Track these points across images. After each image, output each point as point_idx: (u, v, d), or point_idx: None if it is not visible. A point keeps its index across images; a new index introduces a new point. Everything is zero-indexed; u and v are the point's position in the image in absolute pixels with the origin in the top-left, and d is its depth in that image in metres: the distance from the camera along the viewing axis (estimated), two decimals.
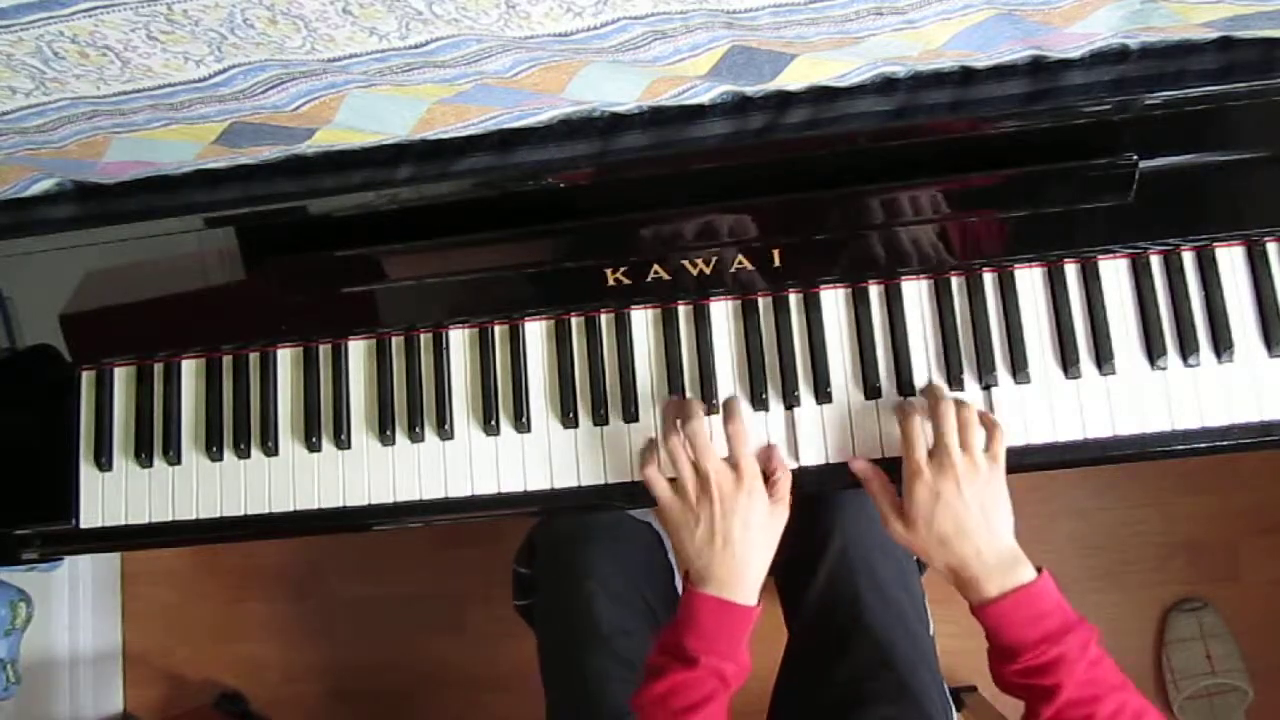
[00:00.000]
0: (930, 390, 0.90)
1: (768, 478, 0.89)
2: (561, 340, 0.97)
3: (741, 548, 0.84)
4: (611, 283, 0.94)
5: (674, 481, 0.89)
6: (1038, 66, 0.88)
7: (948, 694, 1.05)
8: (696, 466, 0.87)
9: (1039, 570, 0.83)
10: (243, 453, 1.00)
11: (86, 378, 1.03)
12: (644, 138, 0.90)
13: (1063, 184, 0.89)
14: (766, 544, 0.87)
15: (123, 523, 1.00)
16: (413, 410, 0.98)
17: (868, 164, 0.89)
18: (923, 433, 0.86)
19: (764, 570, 0.87)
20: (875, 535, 1.05)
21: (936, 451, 0.85)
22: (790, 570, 1.17)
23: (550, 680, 1.09)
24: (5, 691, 1.48)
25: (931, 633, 1.09)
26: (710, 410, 0.94)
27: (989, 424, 0.87)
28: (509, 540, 1.19)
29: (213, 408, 1.01)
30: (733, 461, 0.87)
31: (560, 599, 1.09)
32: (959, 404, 0.87)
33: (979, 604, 0.82)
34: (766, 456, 0.92)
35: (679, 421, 0.90)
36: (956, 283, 0.94)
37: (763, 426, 0.94)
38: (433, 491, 0.97)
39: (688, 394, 0.95)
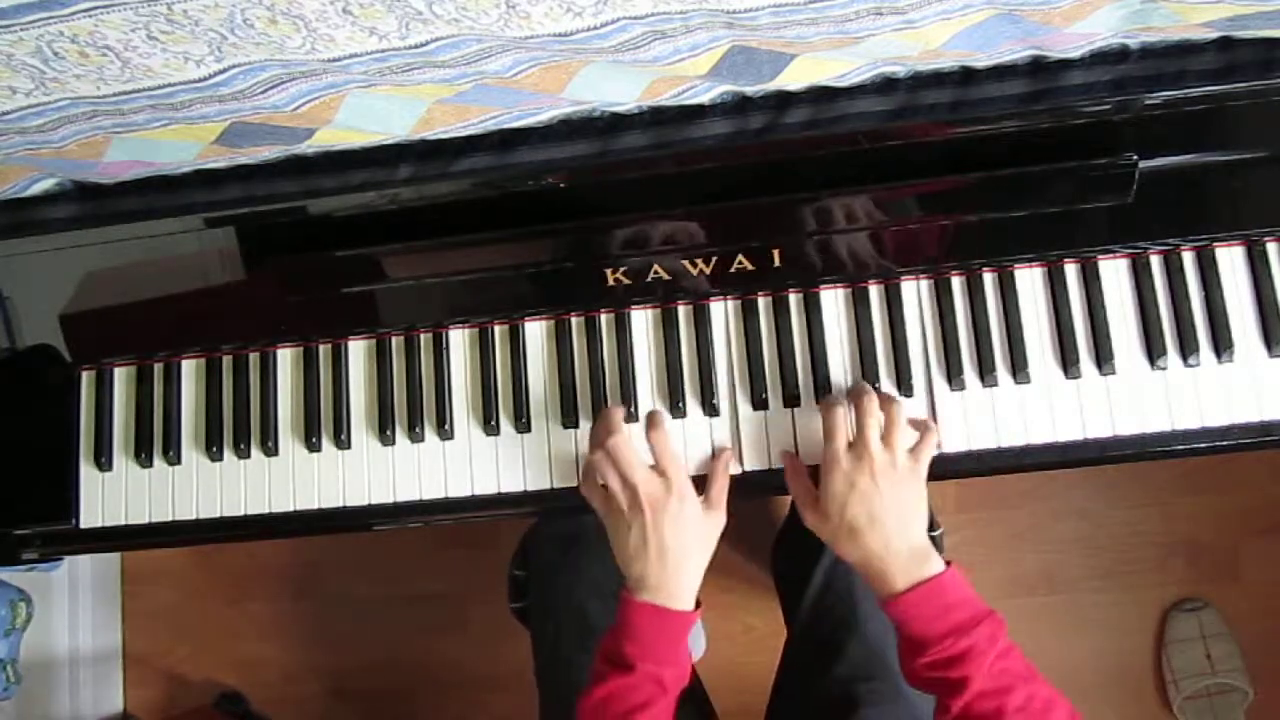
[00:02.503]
0: (856, 385, 0.90)
1: (704, 484, 0.90)
2: (561, 340, 0.97)
3: (674, 554, 0.85)
4: (611, 283, 0.94)
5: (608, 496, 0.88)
6: (1038, 66, 0.88)
7: None
8: (624, 478, 0.87)
9: (948, 564, 0.83)
10: (243, 453, 1.00)
11: (86, 378, 1.03)
12: (644, 138, 0.90)
13: (1063, 184, 0.89)
14: (700, 549, 0.87)
15: (123, 523, 1.00)
16: (413, 410, 0.98)
17: (867, 164, 0.89)
18: (846, 425, 0.86)
19: (699, 574, 0.87)
20: None
21: (856, 443, 0.85)
22: (789, 570, 1.17)
23: (543, 682, 1.09)
24: (5, 691, 1.48)
25: None
26: (710, 412, 0.94)
27: (922, 428, 0.87)
28: (509, 540, 1.20)
29: (213, 408, 1.01)
30: (659, 469, 0.87)
31: (553, 602, 1.09)
32: (885, 400, 0.87)
33: (888, 597, 0.82)
34: (709, 462, 0.91)
35: (603, 435, 0.90)
36: (957, 283, 0.94)
37: (762, 426, 0.94)
38: (433, 491, 0.97)
39: (688, 395, 0.95)
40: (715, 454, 0.93)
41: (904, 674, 0.83)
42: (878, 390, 0.90)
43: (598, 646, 0.87)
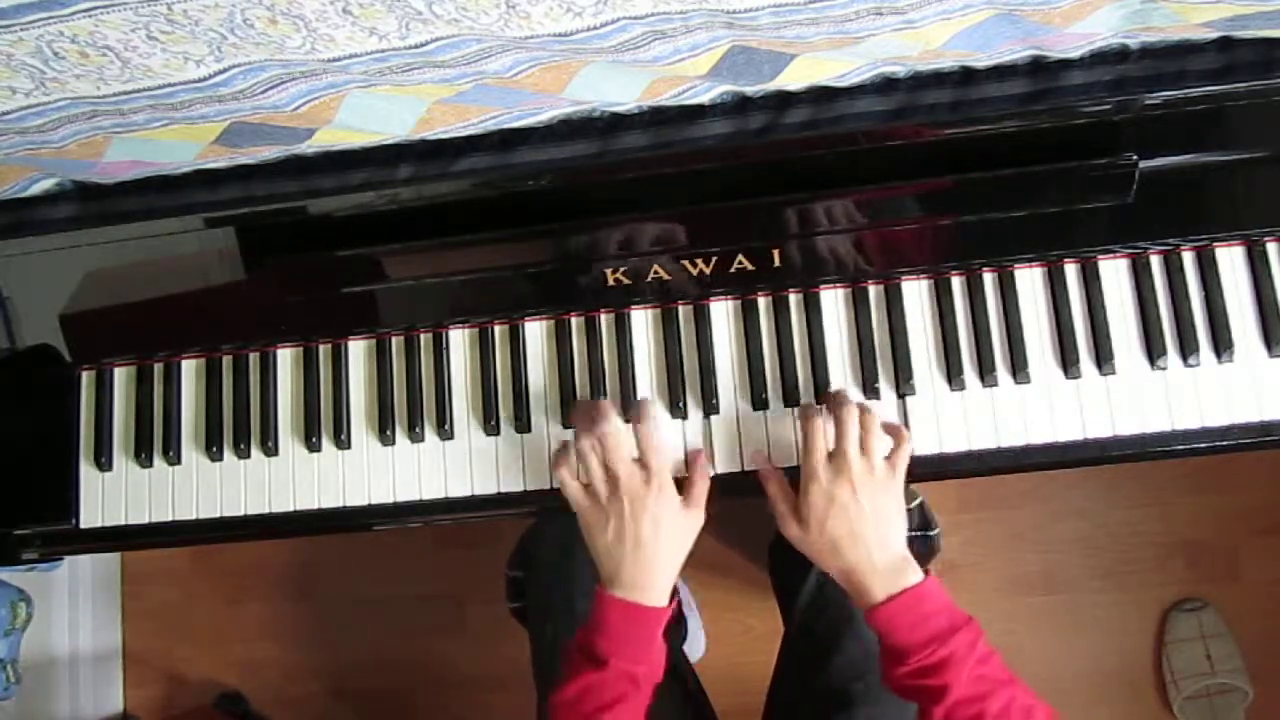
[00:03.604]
0: (833, 394, 0.90)
1: (684, 482, 0.90)
2: (561, 340, 0.97)
3: (650, 548, 0.85)
4: (611, 283, 0.94)
5: (587, 485, 0.89)
6: (1038, 66, 0.88)
7: None
8: (607, 468, 0.87)
9: (926, 573, 0.84)
10: (243, 453, 1.00)
11: (86, 378, 1.03)
12: (644, 138, 0.90)
13: (1063, 184, 0.89)
14: (677, 546, 0.87)
15: (123, 523, 1.00)
16: (413, 410, 0.98)
17: (867, 164, 0.89)
18: (824, 436, 0.87)
19: (674, 572, 0.87)
20: None
21: (835, 455, 0.85)
22: (786, 569, 1.17)
23: (542, 682, 1.09)
24: (5, 691, 1.48)
25: None
26: (710, 412, 0.94)
27: (897, 434, 0.88)
28: (509, 540, 1.20)
29: (213, 408, 1.01)
30: (643, 462, 0.87)
31: (551, 604, 1.09)
32: (863, 410, 0.87)
33: (868, 608, 0.83)
34: (690, 461, 0.92)
35: (592, 423, 0.90)
36: (957, 283, 0.94)
37: (762, 426, 0.94)
38: (433, 491, 0.97)
39: (688, 395, 0.95)
40: (692, 455, 0.92)
41: (886, 682, 0.84)
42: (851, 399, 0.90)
43: (571, 640, 0.87)
